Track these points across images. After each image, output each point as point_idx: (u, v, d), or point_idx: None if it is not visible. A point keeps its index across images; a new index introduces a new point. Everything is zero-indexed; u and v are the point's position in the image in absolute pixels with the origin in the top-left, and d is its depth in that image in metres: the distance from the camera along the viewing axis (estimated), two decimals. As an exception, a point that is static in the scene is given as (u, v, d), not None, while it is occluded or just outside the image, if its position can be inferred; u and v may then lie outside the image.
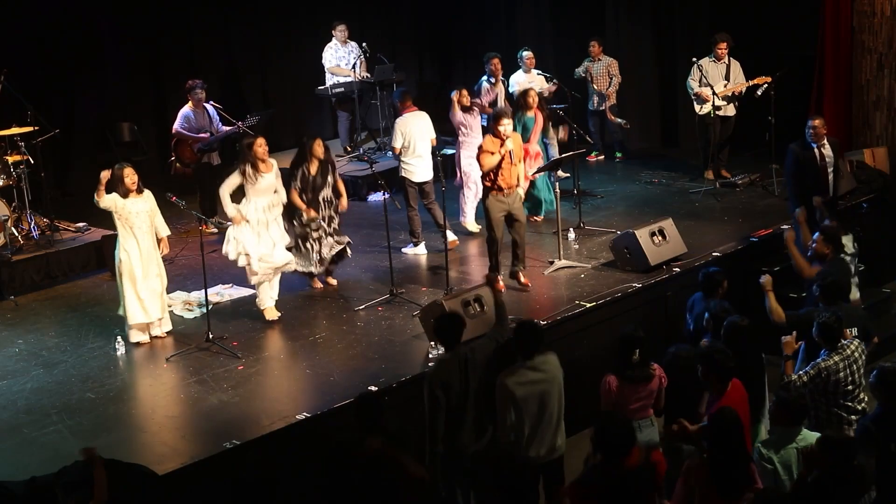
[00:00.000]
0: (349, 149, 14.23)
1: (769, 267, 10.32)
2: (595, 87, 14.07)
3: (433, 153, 11.06)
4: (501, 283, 9.76)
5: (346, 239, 10.13)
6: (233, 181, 9.37)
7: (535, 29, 15.82)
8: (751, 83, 12.64)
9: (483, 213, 9.99)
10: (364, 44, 13.98)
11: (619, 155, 14.42)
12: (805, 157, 10.16)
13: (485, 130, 11.04)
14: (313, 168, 9.81)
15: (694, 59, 12.85)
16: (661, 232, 10.28)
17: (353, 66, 13.92)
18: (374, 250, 11.08)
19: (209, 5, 14.36)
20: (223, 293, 10.13)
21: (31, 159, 11.00)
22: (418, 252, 11.12)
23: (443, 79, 16.67)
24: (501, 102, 12.50)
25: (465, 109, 11.42)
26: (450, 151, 12.92)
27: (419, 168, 11.00)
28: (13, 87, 11.09)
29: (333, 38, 14.04)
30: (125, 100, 13.61)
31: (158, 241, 9.17)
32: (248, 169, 9.29)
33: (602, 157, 14.50)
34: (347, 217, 10.44)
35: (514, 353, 7.14)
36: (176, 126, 11.90)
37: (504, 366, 7.16)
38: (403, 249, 11.15)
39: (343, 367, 8.56)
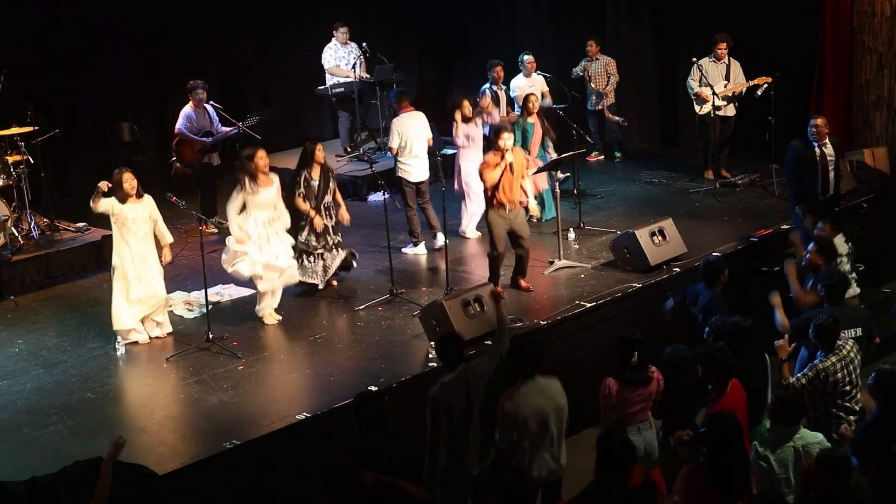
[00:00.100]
0: (349, 149, 14.23)
1: (769, 267, 10.35)
2: (593, 87, 14.07)
3: (433, 153, 11.06)
4: (500, 286, 9.75)
5: (345, 253, 10.17)
6: (239, 200, 9.30)
7: (535, 29, 15.81)
8: (751, 83, 12.64)
9: (486, 226, 9.94)
10: (364, 44, 13.98)
11: (618, 155, 14.42)
12: (806, 155, 10.17)
13: (486, 140, 11.03)
14: (315, 173, 9.85)
15: (694, 59, 12.85)
16: (661, 232, 10.28)
17: (353, 67, 13.92)
18: (374, 250, 11.08)
19: (209, 5, 14.36)
20: (223, 293, 10.12)
21: (31, 159, 11.00)
22: (418, 252, 11.13)
23: (443, 79, 16.67)
24: (503, 108, 12.50)
25: (466, 120, 11.37)
26: (450, 151, 12.92)
27: (416, 168, 11.01)
28: (13, 87, 11.09)
29: (333, 39, 14.04)
30: (125, 100, 13.61)
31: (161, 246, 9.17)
32: (248, 182, 9.26)
33: (602, 157, 14.50)
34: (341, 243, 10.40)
35: (515, 371, 7.10)
36: (178, 126, 11.90)
37: (505, 384, 7.13)
38: (403, 249, 11.15)
39: (343, 367, 8.56)
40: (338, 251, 10.09)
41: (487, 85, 12.69)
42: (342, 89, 13.96)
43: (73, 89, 13.30)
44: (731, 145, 13.29)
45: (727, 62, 12.85)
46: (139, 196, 8.98)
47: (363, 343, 9.03)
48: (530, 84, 12.96)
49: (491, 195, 9.56)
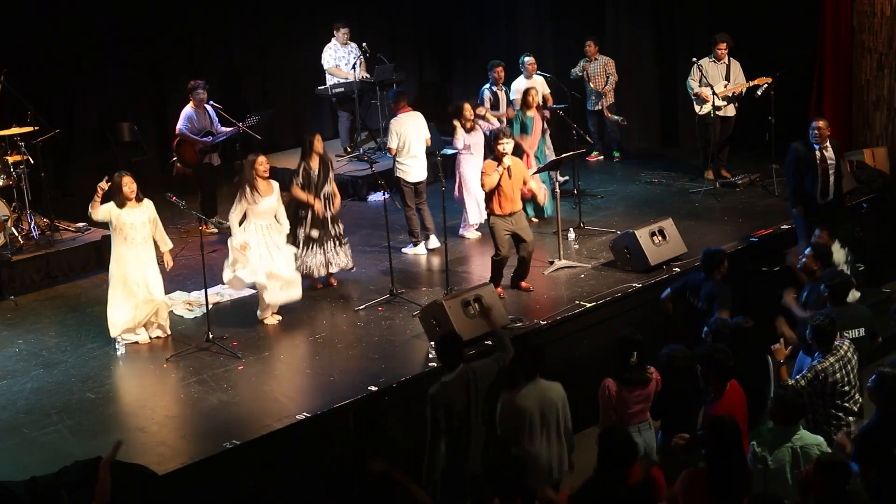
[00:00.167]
0: (349, 149, 14.22)
1: (769, 267, 10.35)
2: (592, 87, 14.07)
3: (433, 153, 11.06)
4: (501, 288, 9.75)
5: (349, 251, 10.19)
6: (240, 209, 9.30)
7: (535, 29, 15.81)
8: (751, 83, 12.64)
9: (489, 230, 9.92)
10: (364, 44, 13.98)
11: (616, 154, 14.43)
12: (807, 157, 10.15)
13: (487, 145, 11.04)
14: (314, 163, 9.88)
15: (694, 59, 12.85)
16: (661, 232, 10.29)
17: (353, 67, 13.92)
18: (374, 250, 11.08)
19: (209, 5, 14.37)
20: (223, 293, 10.12)
21: (31, 159, 10.99)
22: (418, 252, 11.13)
23: (443, 79, 16.67)
24: (503, 109, 12.50)
25: (468, 129, 11.35)
26: (450, 151, 12.91)
27: (414, 168, 11.02)
28: (13, 87, 11.09)
29: (333, 39, 14.04)
30: (125, 100, 13.61)
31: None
32: (248, 191, 9.25)
33: (601, 157, 14.50)
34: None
35: (517, 372, 7.11)
36: (179, 126, 11.91)
37: (506, 385, 7.14)
38: (403, 249, 11.16)
39: (343, 367, 8.56)
40: (340, 244, 10.09)
41: (488, 86, 12.69)
42: (342, 89, 13.96)
43: (73, 89, 13.30)
44: (731, 145, 13.29)
45: (727, 62, 12.85)
46: (138, 200, 8.96)
47: (363, 343, 9.04)
48: (531, 86, 12.93)
49: (492, 200, 9.57)
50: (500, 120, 12.08)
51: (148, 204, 9.04)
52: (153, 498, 6.68)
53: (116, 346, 9.06)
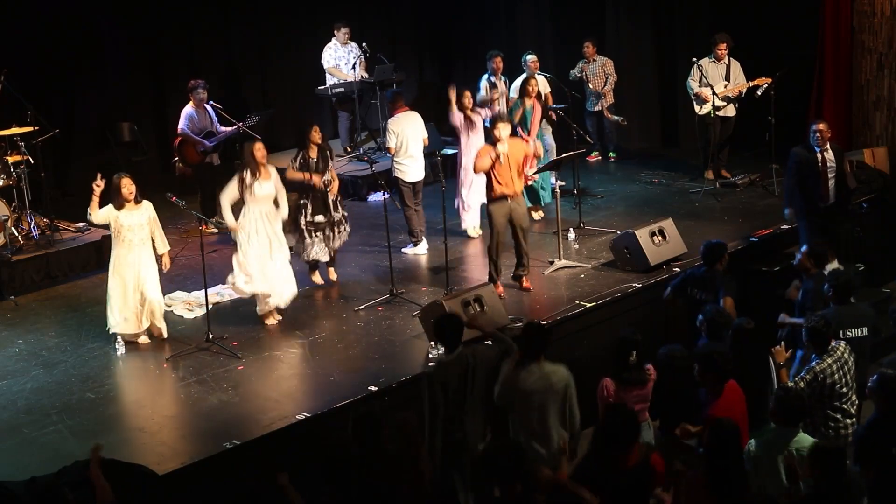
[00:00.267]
0: (349, 149, 14.23)
1: (769, 267, 10.35)
2: (591, 88, 14.07)
3: (433, 153, 11.07)
4: (501, 287, 9.76)
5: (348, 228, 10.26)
6: (232, 190, 9.32)
7: (535, 29, 15.82)
8: (751, 84, 12.64)
9: (486, 217, 9.97)
10: (364, 44, 13.99)
11: (612, 155, 14.45)
12: (808, 161, 10.13)
13: (487, 132, 11.05)
14: (313, 153, 9.93)
15: (694, 59, 12.85)
16: (661, 232, 10.29)
17: (353, 67, 13.92)
18: (374, 250, 11.08)
19: (209, 5, 14.36)
20: (223, 293, 10.11)
21: (31, 159, 11.00)
22: (418, 252, 11.13)
23: (443, 79, 16.64)
24: (503, 101, 12.51)
25: (463, 109, 11.39)
26: (450, 151, 12.92)
27: (412, 168, 11.04)
28: (13, 87, 11.09)
29: (333, 39, 14.04)
30: (125, 100, 13.61)
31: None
32: (247, 175, 9.26)
33: (600, 157, 14.51)
34: (347, 217, 10.44)
35: (522, 353, 7.12)
36: (181, 126, 11.91)
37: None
38: (403, 249, 11.16)
39: (343, 367, 8.56)
40: (342, 228, 10.16)
41: (486, 76, 12.69)
42: (342, 89, 13.96)
43: (73, 89, 13.30)
44: (731, 145, 13.29)
45: (727, 62, 12.84)
46: (137, 202, 8.96)
47: (363, 343, 9.04)
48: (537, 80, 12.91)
49: (490, 184, 9.59)
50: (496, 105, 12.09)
51: (147, 205, 9.02)
52: (153, 498, 6.68)
53: (116, 346, 9.06)
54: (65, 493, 5.63)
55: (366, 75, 14.07)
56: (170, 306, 9.70)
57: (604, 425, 5.88)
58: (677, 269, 10.12)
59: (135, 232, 8.90)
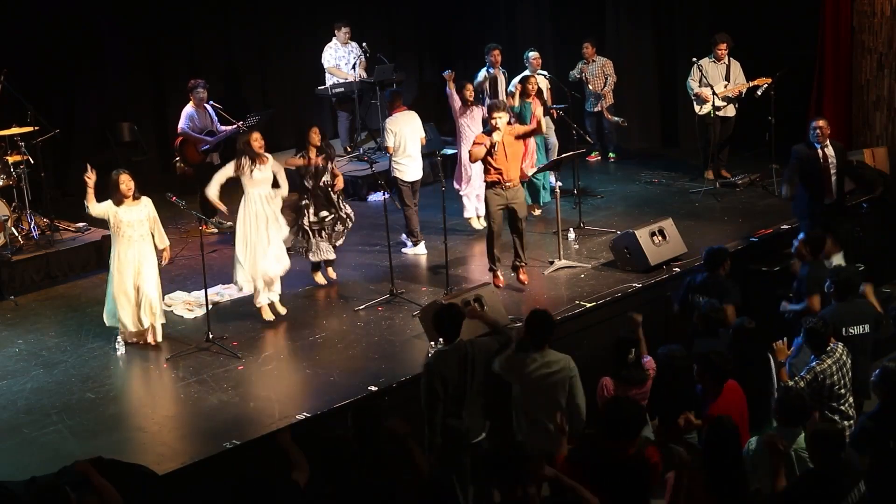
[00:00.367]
0: (349, 149, 14.24)
1: (769, 267, 10.35)
2: (591, 89, 14.07)
3: (433, 153, 11.08)
4: (501, 278, 9.80)
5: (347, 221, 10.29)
6: (227, 169, 9.43)
7: (535, 29, 15.82)
8: (751, 84, 12.64)
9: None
10: (364, 44, 13.99)
11: (612, 155, 14.45)
12: (809, 157, 10.19)
13: (486, 124, 11.07)
14: (312, 153, 9.93)
15: (694, 59, 12.85)
16: (661, 232, 10.29)
17: (353, 67, 13.92)
18: (374, 250, 11.08)
19: (209, 5, 14.36)
20: (223, 293, 10.12)
21: (31, 159, 10.99)
22: (418, 252, 11.13)
23: (443, 79, 16.61)
24: (501, 93, 12.52)
25: (465, 102, 11.43)
26: (450, 151, 12.92)
27: (410, 168, 11.05)
28: (13, 87, 11.09)
29: (334, 38, 14.05)
30: (125, 100, 13.61)
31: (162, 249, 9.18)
32: (245, 160, 9.30)
33: (600, 157, 14.51)
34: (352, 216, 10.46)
35: (526, 341, 7.13)
36: (181, 126, 11.91)
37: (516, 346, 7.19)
38: (403, 249, 11.16)
39: (343, 367, 8.56)
40: (348, 224, 10.21)
41: (485, 68, 12.69)
42: (342, 89, 13.97)
43: (73, 89, 13.30)
44: (731, 145, 13.30)
45: (727, 62, 12.85)
46: (136, 198, 8.96)
47: (363, 343, 9.04)
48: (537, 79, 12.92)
49: (487, 171, 9.64)
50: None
51: (146, 202, 9.02)
52: (153, 498, 6.67)
53: (116, 346, 9.06)
54: (67, 493, 5.62)
55: (365, 75, 14.07)
56: (170, 306, 9.70)
57: (610, 416, 5.87)
58: (677, 269, 10.13)
59: (134, 228, 8.90)
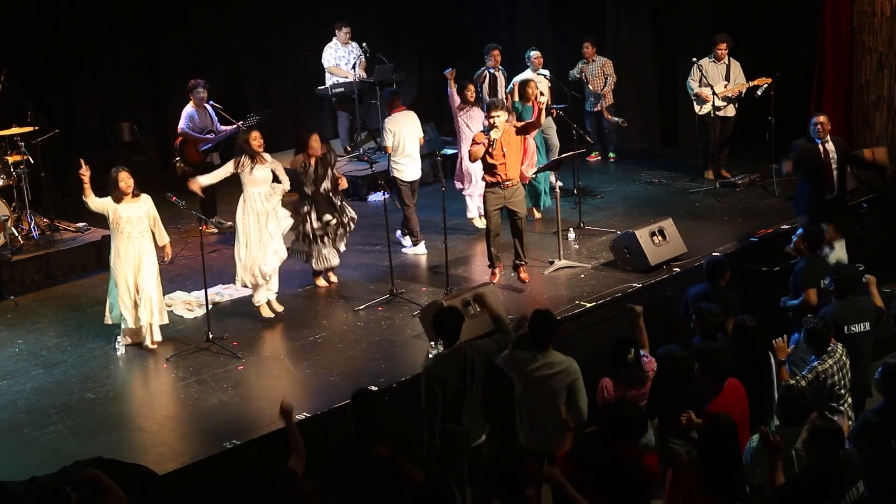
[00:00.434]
0: (349, 149, 14.24)
1: (769, 267, 10.35)
2: (591, 89, 14.07)
3: (433, 153, 11.08)
4: (498, 274, 9.82)
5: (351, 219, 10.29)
6: (227, 168, 9.48)
7: (535, 29, 15.82)
8: (751, 84, 12.64)
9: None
10: (364, 44, 13.99)
11: (612, 155, 14.45)
12: (811, 151, 10.22)
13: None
14: (312, 160, 9.93)
15: (694, 59, 12.85)
16: (661, 232, 10.29)
17: (353, 67, 13.92)
18: (374, 250, 11.08)
19: (209, 5, 14.37)
20: (223, 293, 10.13)
21: (31, 159, 10.99)
22: (418, 252, 11.13)
23: (443, 79, 16.54)
24: (500, 93, 12.52)
25: (465, 101, 11.43)
26: (450, 151, 12.92)
27: (409, 168, 11.06)
28: (13, 87, 11.09)
29: (334, 38, 14.05)
30: (125, 100, 13.61)
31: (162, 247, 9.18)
32: (244, 158, 9.33)
33: (600, 157, 14.51)
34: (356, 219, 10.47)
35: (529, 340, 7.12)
36: (181, 126, 11.91)
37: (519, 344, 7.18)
38: (403, 249, 11.17)
39: (343, 367, 8.56)
40: (351, 227, 10.24)
41: (484, 68, 12.69)
42: (342, 89, 13.97)
43: (73, 89, 13.30)
44: (731, 145, 13.30)
45: (727, 62, 12.85)
46: (135, 195, 8.95)
47: (363, 343, 9.03)
48: (537, 81, 12.91)
49: (485, 171, 9.65)
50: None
51: (146, 199, 9.01)
52: (153, 498, 6.67)
53: (116, 346, 9.06)
54: (67, 493, 5.62)
55: (365, 75, 14.07)
56: (170, 306, 9.69)
57: (611, 416, 5.88)
58: (677, 269, 10.12)
59: (133, 224, 8.89)
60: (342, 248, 10.26)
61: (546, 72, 12.91)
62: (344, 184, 10.12)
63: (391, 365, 8.53)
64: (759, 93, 12.51)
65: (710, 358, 6.84)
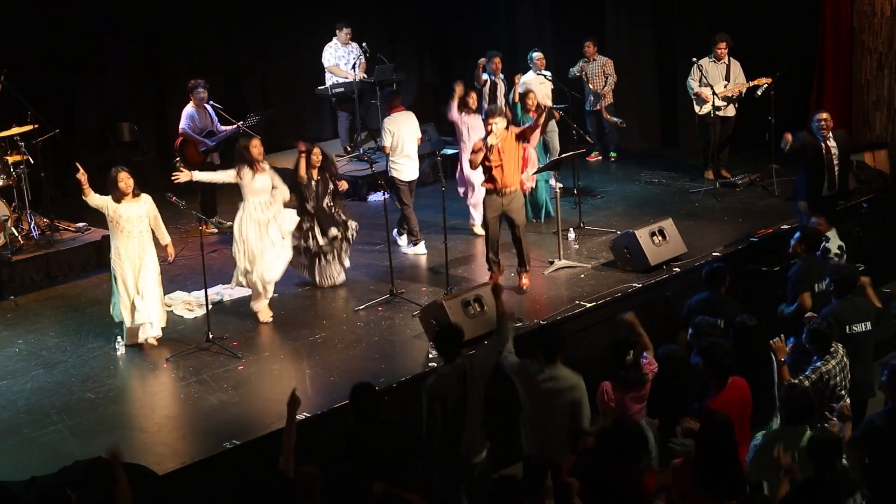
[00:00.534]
0: (349, 149, 14.23)
1: (769, 267, 10.35)
2: (591, 88, 14.07)
3: (433, 153, 11.08)
4: (498, 276, 9.81)
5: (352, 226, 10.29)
6: (227, 175, 9.49)
7: (535, 29, 15.82)
8: (751, 84, 12.64)
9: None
10: (364, 44, 13.99)
11: (613, 155, 14.45)
12: (813, 145, 10.24)
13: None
14: (314, 174, 9.93)
15: (694, 59, 12.85)
16: (661, 232, 10.29)
17: (353, 67, 13.92)
18: (374, 250, 11.08)
19: (209, 5, 14.36)
20: (223, 293, 10.12)
21: (31, 159, 10.99)
22: (418, 252, 11.14)
23: (443, 79, 16.65)
24: (500, 100, 12.51)
25: (466, 108, 11.42)
26: (450, 151, 12.92)
27: (407, 167, 11.08)
28: (13, 87, 11.09)
29: (335, 38, 14.05)
30: (125, 100, 13.61)
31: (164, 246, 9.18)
32: (245, 171, 9.31)
33: (600, 157, 14.51)
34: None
35: (536, 352, 7.11)
36: (182, 126, 11.91)
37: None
38: (403, 249, 11.16)
39: (343, 367, 8.56)
40: (353, 239, 10.25)
41: (486, 76, 12.68)
42: (342, 89, 13.97)
43: (73, 89, 13.29)
44: (731, 145, 13.30)
45: (727, 62, 12.85)
46: (136, 195, 8.95)
47: (363, 343, 9.04)
48: (540, 81, 12.92)
49: (485, 179, 9.65)
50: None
51: (146, 198, 9.01)
52: (153, 498, 6.68)
53: (116, 346, 9.06)
54: (67, 493, 5.62)
55: (365, 76, 14.07)
56: (170, 306, 9.70)
57: (613, 436, 5.88)
58: (677, 269, 10.12)
59: (133, 223, 8.88)
60: (347, 263, 10.26)
61: (548, 73, 12.91)
62: (344, 186, 10.12)
63: (391, 365, 8.53)
64: (759, 93, 12.51)
65: (714, 354, 6.85)
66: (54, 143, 11.79)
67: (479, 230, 11.57)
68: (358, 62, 14.00)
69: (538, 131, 11.62)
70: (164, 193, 9.29)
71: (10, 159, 10.81)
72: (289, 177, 10.07)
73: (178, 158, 12.00)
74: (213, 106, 12.06)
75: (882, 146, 11.71)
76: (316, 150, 9.98)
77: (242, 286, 9.69)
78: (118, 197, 8.85)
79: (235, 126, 11.88)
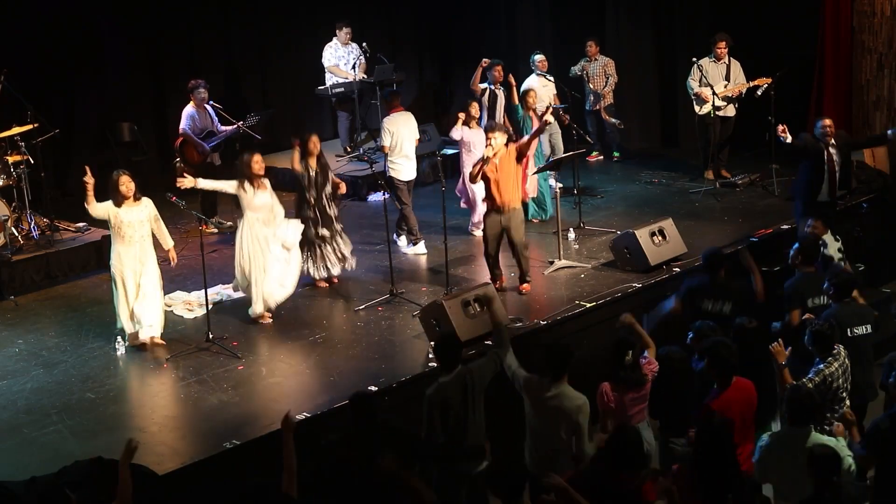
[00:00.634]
0: (349, 149, 14.23)
1: (769, 267, 10.34)
2: (591, 87, 14.07)
3: (433, 153, 11.08)
4: (503, 279, 9.82)
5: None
6: (228, 185, 9.49)
7: (535, 29, 15.81)
8: (751, 84, 12.64)
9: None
10: (364, 44, 13.99)
11: (616, 155, 14.44)
12: (815, 147, 10.24)
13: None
14: (313, 162, 9.92)
15: (694, 59, 12.85)
16: (661, 232, 10.29)
17: (353, 67, 13.92)
18: (374, 250, 11.08)
19: (209, 5, 14.36)
20: (223, 293, 10.12)
21: (31, 159, 10.99)
22: (418, 251, 11.14)
23: (443, 79, 16.67)
24: (500, 109, 12.49)
25: (469, 120, 11.42)
26: (450, 151, 12.92)
27: (406, 168, 11.09)
28: (13, 87, 11.09)
29: (335, 38, 14.04)
30: (125, 100, 13.60)
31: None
32: (246, 184, 9.33)
33: (601, 157, 14.50)
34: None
35: (543, 368, 7.09)
36: (183, 126, 11.91)
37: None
38: (403, 249, 11.16)
39: (343, 367, 8.57)
40: (343, 238, 10.21)
41: (486, 85, 12.67)
42: (342, 89, 13.96)
43: (73, 89, 13.29)
44: (731, 145, 13.30)
45: (727, 62, 12.85)
46: (137, 199, 8.94)
47: (363, 343, 9.04)
48: (542, 84, 12.92)
49: (485, 197, 9.68)
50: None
51: (147, 202, 9.01)
52: (153, 498, 6.68)
53: (116, 346, 9.06)
54: (67, 494, 5.62)
55: (365, 76, 14.06)
56: (170, 306, 9.70)
57: (614, 448, 5.87)
58: (677, 269, 10.13)
59: (134, 228, 8.88)
60: (348, 254, 10.25)
61: (550, 77, 12.90)
62: (343, 188, 10.12)
63: (391, 365, 8.53)
64: (759, 93, 12.51)
65: (718, 353, 6.84)
66: (54, 143, 11.79)
67: (478, 233, 11.56)
68: (358, 62, 14.00)
69: (536, 140, 11.66)
70: (164, 193, 9.29)
71: (11, 159, 10.81)
72: (289, 176, 10.08)
73: (178, 159, 12.01)
74: (213, 106, 12.06)
75: (882, 142, 11.66)
76: (314, 139, 9.97)
77: (242, 294, 9.70)
78: (119, 201, 8.84)
79: (235, 126, 11.89)
